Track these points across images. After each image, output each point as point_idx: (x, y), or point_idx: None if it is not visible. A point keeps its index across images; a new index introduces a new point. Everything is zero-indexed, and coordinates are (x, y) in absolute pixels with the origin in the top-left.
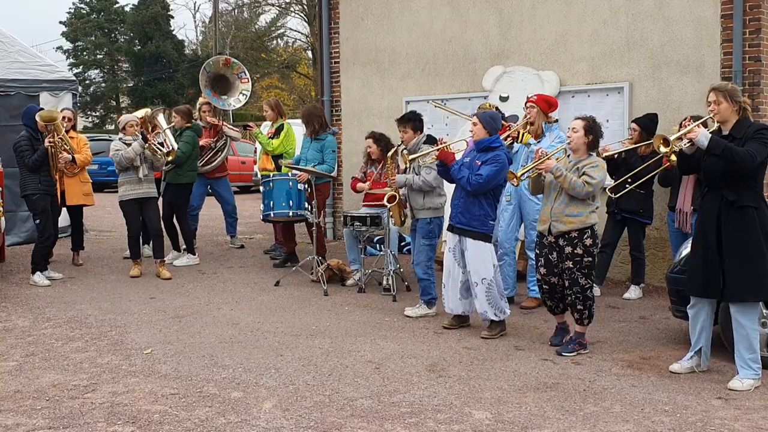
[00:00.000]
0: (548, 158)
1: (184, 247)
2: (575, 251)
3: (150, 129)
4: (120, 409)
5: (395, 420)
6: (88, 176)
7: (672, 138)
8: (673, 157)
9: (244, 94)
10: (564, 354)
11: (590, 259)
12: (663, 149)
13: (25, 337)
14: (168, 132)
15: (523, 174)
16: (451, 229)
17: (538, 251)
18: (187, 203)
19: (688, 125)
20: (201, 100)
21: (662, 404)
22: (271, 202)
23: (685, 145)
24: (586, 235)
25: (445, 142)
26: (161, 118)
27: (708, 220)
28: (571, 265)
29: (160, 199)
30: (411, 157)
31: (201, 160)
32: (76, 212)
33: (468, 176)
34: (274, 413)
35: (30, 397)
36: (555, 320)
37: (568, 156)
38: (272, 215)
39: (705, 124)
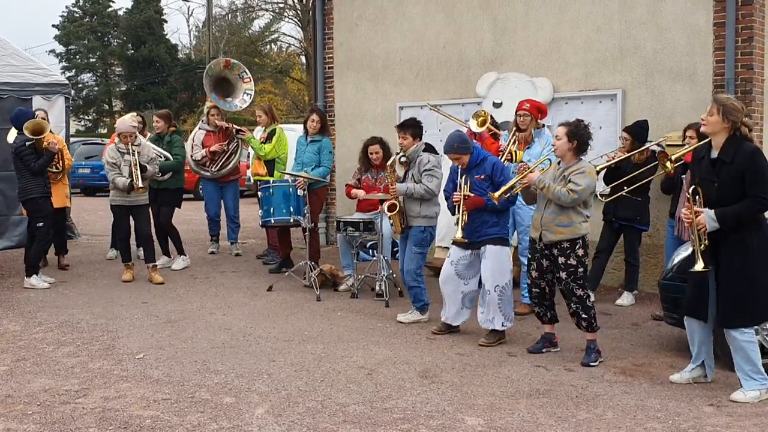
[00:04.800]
0: (530, 171)
1: (175, 251)
2: (569, 261)
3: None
4: (111, 414)
5: (388, 426)
6: (66, 179)
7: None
8: (669, 165)
9: (248, 94)
10: (590, 364)
11: (582, 269)
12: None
13: (16, 342)
14: (148, 144)
15: (505, 191)
16: (467, 246)
17: (530, 255)
18: (177, 207)
19: (690, 142)
20: (208, 104)
21: (654, 411)
22: (272, 208)
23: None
24: (577, 246)
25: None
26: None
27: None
28: (565, 276)
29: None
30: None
31: (216, 164)
32: (60, 215)
33: (502, 202)
34: (266, 419)
35: (21, 402)
36: (545, 328)
37: (559, 164)
38: (272, 221)
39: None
